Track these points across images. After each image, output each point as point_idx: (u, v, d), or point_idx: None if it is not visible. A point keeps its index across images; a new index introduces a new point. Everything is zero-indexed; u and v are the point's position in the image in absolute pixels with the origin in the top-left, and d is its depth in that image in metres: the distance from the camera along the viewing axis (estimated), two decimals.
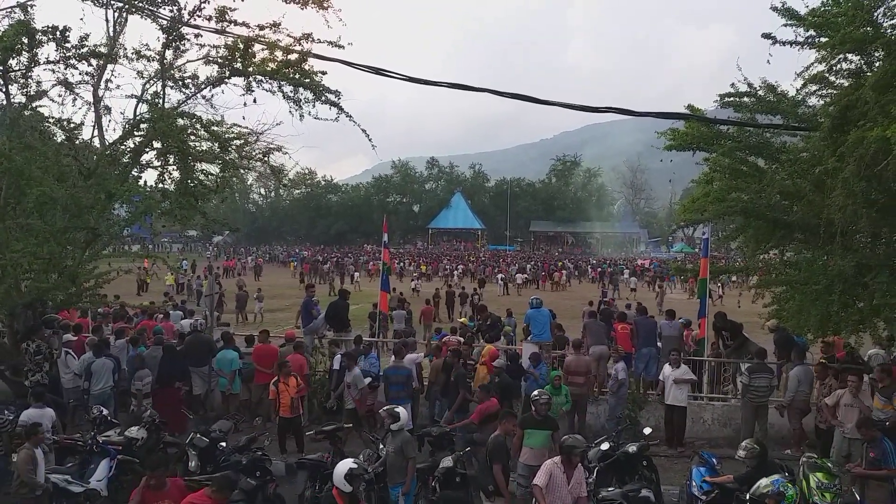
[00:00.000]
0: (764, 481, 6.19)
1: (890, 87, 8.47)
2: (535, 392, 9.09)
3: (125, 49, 12.19)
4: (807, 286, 11.32)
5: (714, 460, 8.95)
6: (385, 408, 8.71)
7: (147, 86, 12.44)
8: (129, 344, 13.05)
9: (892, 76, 8.46)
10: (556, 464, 6.98)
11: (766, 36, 9.65)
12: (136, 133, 12.28)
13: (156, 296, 27.44)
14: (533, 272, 49.76)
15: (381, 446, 9.01)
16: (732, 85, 11.54)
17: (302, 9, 11.38)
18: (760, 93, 11.27)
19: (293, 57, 11.55)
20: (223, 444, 9.51)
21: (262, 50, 11.81)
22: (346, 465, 6.61)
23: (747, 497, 7.20)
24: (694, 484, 8.54)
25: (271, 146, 13.22)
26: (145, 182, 13.29)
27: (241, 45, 11.68)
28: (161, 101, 12.34)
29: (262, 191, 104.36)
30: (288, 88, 11.79)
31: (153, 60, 12.25)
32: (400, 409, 8.52)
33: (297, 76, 11.65)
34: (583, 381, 12.11)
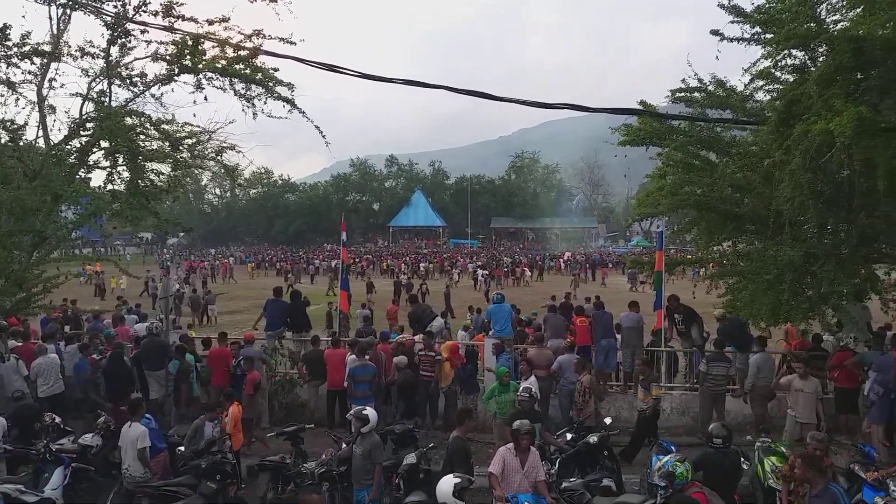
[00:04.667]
0: (657, 463, 6.32)
1: (833, 81, 8.74)
2: (522, 389, 9.27)
3: (69, 46, 11.80)
4: (758, 276, 11.64)
5: (673, 448, 9.12)
6: (353, 410, 8.65)
7: (93, 84, 12.09)
8: (79, 350, 12.65)
9: (834, 71, 8.74)
10: (509, 450, 7.01)
11: (715, 33, 9.85)
12: (82, 132, 11.93)
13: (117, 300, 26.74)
14: (490, 268, 50.01)
15: (344, 445, 8.96)
16: (683, 80, 11.78)
17: (251, 1, 11.13)
18: (710, 88, 11.53)
19: (244, 53, 11.32)
20: (181, 448, 9.34)
21: (213, 47, 11.57)
22: (449, 482, 6.16)
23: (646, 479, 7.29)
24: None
25: (224, 144, 12.97)
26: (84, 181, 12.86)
27: (190, 42, 11.41)
28: (108, 99, 11.99)
29: (218, 191, 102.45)
30: (239, 86, 11.58)
31: (98, 58, 11.89)
32: (369, 411, 8.44)
33: (247, 72, 11.42)
34: (545, 374, 12.24)
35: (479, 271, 45.48)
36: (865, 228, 11.06)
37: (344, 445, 9.01)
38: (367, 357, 11.87)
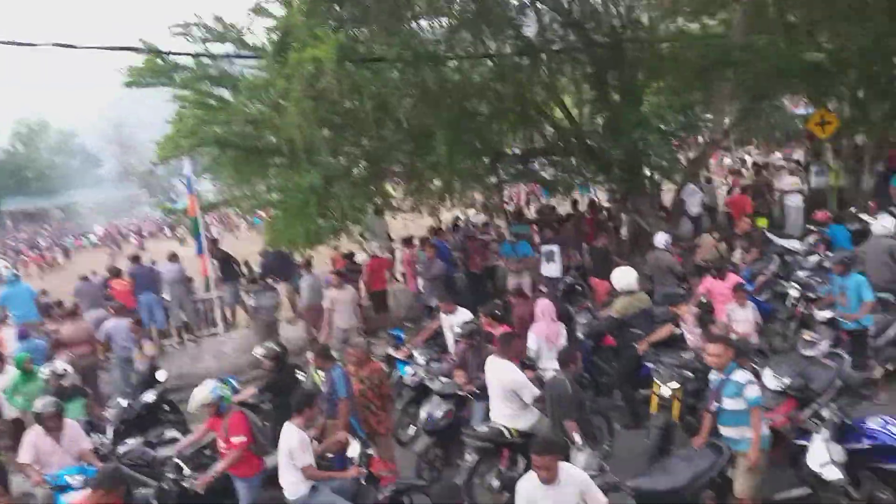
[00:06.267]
0: (202, 393, 6.47)
1: (315, 12, 9.52)
2: (44, 367, 8.52)
3: None
4: (287, 205, 12.36)
5: (234, 382, 9.27)
6: None
7: None
8: None
9: (314, 2, 9.51)
10: (37, 433, 6.75)
11: None
12: None
13: None
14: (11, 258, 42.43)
15: None
16: (182, 17, 11.35)
17: None
18: (208, 23, 11.36)
19: None
20: None
21: None
22: None
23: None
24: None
25: None
26: None
27: None
28: None
29: None
30: None
31: None
32: None
33: None
34: (88, 350, 10.94)
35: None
36: (371, 151, 12.66)
37: None
38: None
